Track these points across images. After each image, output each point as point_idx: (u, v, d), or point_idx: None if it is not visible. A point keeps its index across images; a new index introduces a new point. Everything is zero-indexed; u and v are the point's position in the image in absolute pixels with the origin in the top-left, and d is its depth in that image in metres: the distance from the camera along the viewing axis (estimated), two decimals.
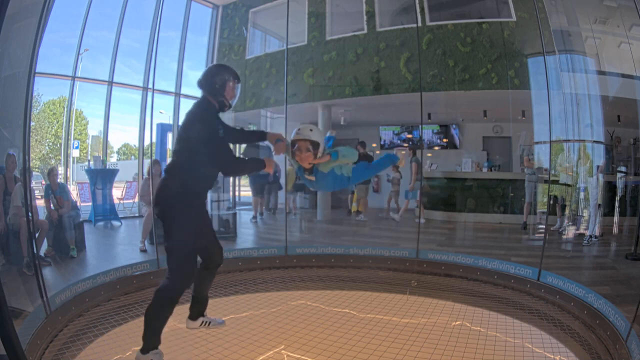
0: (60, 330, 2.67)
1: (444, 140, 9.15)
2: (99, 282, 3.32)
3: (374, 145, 9.47)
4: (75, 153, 7.27)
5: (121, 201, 7.21)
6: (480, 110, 7.99)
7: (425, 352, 2.46)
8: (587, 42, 5.72)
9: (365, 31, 7.17)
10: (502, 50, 6.31)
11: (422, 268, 4.23)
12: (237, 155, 3.13)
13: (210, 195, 5.98)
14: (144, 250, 4.64)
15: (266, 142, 2.41)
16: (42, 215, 4.32)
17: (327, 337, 2.69)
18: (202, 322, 2.27)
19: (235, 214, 6.06)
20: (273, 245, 4.71)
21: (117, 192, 7.04)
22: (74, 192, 6.68)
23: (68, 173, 7.09)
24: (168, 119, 8.03)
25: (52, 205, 4.40)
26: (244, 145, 6.36)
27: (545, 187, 6.07)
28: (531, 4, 5.58)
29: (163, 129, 8.20)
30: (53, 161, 7.76)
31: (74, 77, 6.58)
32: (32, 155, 6.00)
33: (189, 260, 2.03)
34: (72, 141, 7.11)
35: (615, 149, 6.23)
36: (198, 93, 2.21)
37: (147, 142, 7.33)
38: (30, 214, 2.72)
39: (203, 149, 1.97)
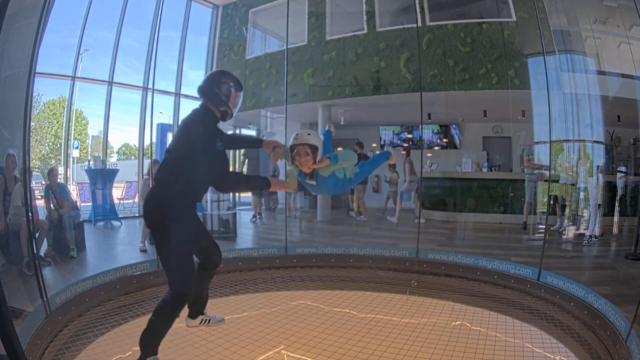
0: (60, 330, 2.67)
1: (444, 140, 9.15)
2: (99, 282, 3.32)
3: (374, 145, 9.47)
4: (75, 153, 7.27)
5: (121, 201, 7.21)
6: (480, 110, 7.99)
7: (425, 352, 2.46)
8: (587, 42, 5.72)
9: (365, 31, 7.17)
10: (502, 50, 6.31)
11: (422, 268, 4.23)
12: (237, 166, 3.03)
13: (210, 195, 5.99)
14: (144, 250, 4.65)
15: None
16: (42, 215, 4.32)
17: (327, 337, 2.69)
18: (202, 320, 2.26)
19: (235, 214, 6.06)
20: (273, 245, 4.72)
21: (117, 192, 7.04)
22: (74, 192, 6.69)
23: (68, 173, 7.09)
24: (168, 119, 8.04)
25: (52, 205, 4.40)
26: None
27: (545, 187, 6.06)
28: (531, 4, 5.58)
29: (163, 129, 8.19)
30: (53, 161, 7.76)
31: (74, 77, 6.58)
32: (32, 155, 6.00)
33: (189, 265, 2.02)
34: (72, 141, 7.12)
35: (615, 149, 6.23)
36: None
37: (147, 142, 7.34)
38: (30, 214, 2.72)
39: (200, 159, 1.91)
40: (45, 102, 7.29)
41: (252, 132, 9.00)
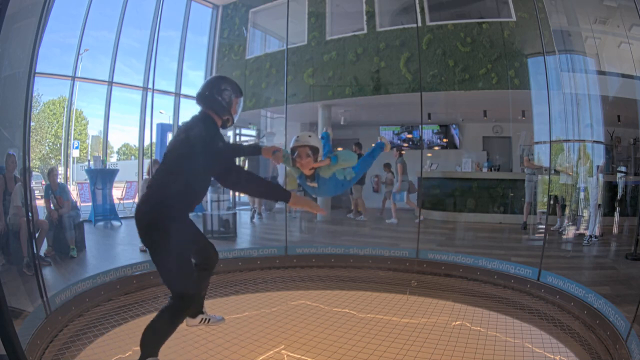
0: (60, 330, 2.67)
1: (444, 140, 9.15)
2: (99, 282, 3.32)
3: (374, 145, 9.47)
4: (75, 153, 7.28)
5: (121, 201, 7.21)
6: (480, 110, 7.99)
7: (425, 352, 2.46)
8: (587, 42, 5.73)
9: (365, 31, 7.17)
10: (502, 50, 6.31)
11: (422, 268, 4.23)
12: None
13: (210, 195, 5.99)
14: (144, 250, 4.64)
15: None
16: (42, 215, 4.32)
17: (327, 337, 2.69)
18: (202, 319, 2.26)
19: (235, 214, 6.06)
20: (273, 245, 4.72)
21: (117, 192, 7.04)
22: (74, 192, 6.69)
23: (68, 173, 7.09)
24: (168, 119, 8.05)
25: (52, 205, 4.40)
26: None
27: (545, 187, 6.07)
28: (531, 4, 5.58)
29: (163, 129, 8.20)
30: (53, 161, 7.77)
31: (74, 77, 6.58)
32: (32, 155, 6.00)
33: (190, 265, 2.01)
34: (72, 141, 7.12)
35: (615, 149, 6.23)
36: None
37: (147, 142, 7.34)
38: (30, 214, 2.72)
39: (200, 160, 1.87)
40: (45, 102, 7.30)
41: (252, 132, 9.00)
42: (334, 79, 7.31)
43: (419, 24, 6.60)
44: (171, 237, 1.86)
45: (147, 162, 6.94)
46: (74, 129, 7.49)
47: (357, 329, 2.80)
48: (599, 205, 5.34)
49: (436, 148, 9.21)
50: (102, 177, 6.34)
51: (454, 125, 9.03)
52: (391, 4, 7.31)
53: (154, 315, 1.96)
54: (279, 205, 8.25)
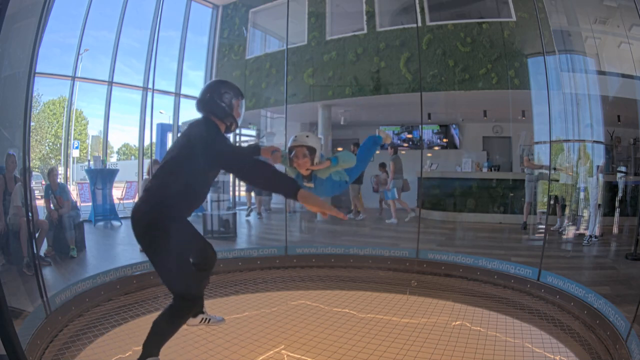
0: (60, 330, 2.67)
1: (444, 140, 9.15)
2: (99, 282, 3.32)
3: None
4: (75, 153, 7.28)
5: (121, 201, 7.21)
6: (480, 110, 7.99)
7: (425, 352, 2.46)
8: (587, 42, 5.73)
9: (365, 31, 7.17)
10: (502, 50, 6.31)
11: (422, 268, 4.23)
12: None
13: (210, 195, 5.99)
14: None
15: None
16: (42, 215, 4.32)
17: (327, 337, 2.69)
18: (202, 319, 2.25)
19: (235, 214, 6.06)
20: (273, 245, 4.72)
21: (117, 192, 7.04)
22: (74, 192, 6.69)
23: (68, 173, 7.09)
24: (168, 119, 8.05)
25: (52, 205, 4.40)
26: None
27: (545, 187, 6.07)
28: (531, 4, 5.58)
29: (163, 129, 8.21)
30: (53, 161, 7.77)
31: (74, 77, 6.58)
32: (32, 155, 6.00)
33: (190, 266, 2.00)
34: (72, 141, 7.12)
35: (615, 149, 6.23)
36: (198, 92, 2.06)
37: (147, 142, 7.34)
38: (30, 214, 2.72)
39: (209, 166, 1.86)
40: (45, 102, 7.30)
41: (252, 132, 9.00)
42: (334, 79, 7.32)
43: (419, 24, 6.60)
44: (171, 237, 1.84)
45: (147, 162, 6.94)
46: (74, 129, 7.49)
47: (357, 329, 2.80)
48: (599, 205, 5.34)
49: (436, 148, 9.20)
50: (102, 177, 6.34)
51: (454, 125, 9.03)
52: (391, 4, 7.31)
53: (154, 315, 1.96)
54: (278, 205, 8.25)
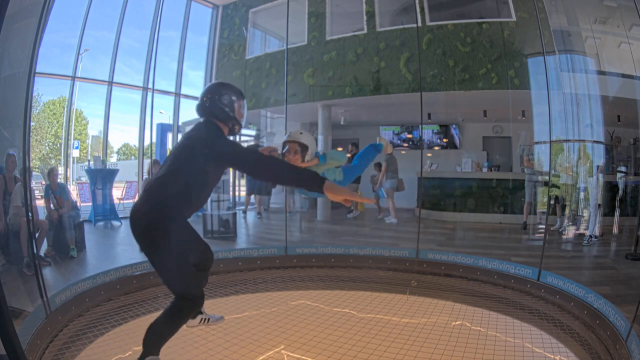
0: (60, 330, 2.67)
1: (444, 140, 9.15)
2: (99, 282, 3.32)
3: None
4: (75, 153, 7.27)
5: (121, 201, 7.21)
6: (480, 110, 7.99)
7: (425, 352, 2.46)
8: (587, 42, 5.72)
9: (365, 31, 7.17)
10: (502, 50, 6.31)
11: (422, 268, 4.23)
12: None
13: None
14: None
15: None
16: (42, 215, 4.32)
17: (327, 337, 2.69)
18: (202, 319, 2.25)
19: (235, 214, 6.06)
20: (273, 245, 4.72)
21: (117, 192, 7.04)
22: (74, 192, 6.69)
23: (68, 173, 7.09)
24: (168, 119, 8.04)
25: (52, 205, 4.40)
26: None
27: (545, 187, 6.07)
28: (531, 4, 5.58)
29: (163, 129, 8.20)
30: (53, 161, 7.76)
31: (74, 77, 6.58)
32: (32, 155, 6.00)
33: (190, 266, 2.00)
34: (72, 141, 7.12)
35: (615, 149, 6.23)
36: (198, 92, 2.11)
37: (147, 142, 7.34)
38: (30, 214, 2.72)
39: (210, 167, 1.85)
40: (45, 102, 7.29)
41: (252, 132, 9.00)
42: (334, 79, 7.32)
43: (419, 24, 6.60)
44: (171, 238, 1.84)
45: (147, 162, 6.94)
46: (74, 129, 7.48)
47: (357, 329, 2.80)
48: (599, 205, 5.34)
49: (436, 148, 9.21)
50: (102, 177, 6.34)
51: (454, 125, 9.04)
52: (391, 4, 7.31)
53: (154, 315, 1.96)
54: (278, 205, 8.26)
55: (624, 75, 5.41)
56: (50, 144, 7.80)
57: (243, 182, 8.34)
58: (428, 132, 9.17)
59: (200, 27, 8.17)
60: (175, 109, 7.85)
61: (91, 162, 6.72)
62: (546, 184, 5.95)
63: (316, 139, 7.72)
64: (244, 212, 7.59)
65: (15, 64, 2.76)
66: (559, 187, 5.92)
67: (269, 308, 3.23)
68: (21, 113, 2.59)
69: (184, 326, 2.28)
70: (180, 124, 7.84)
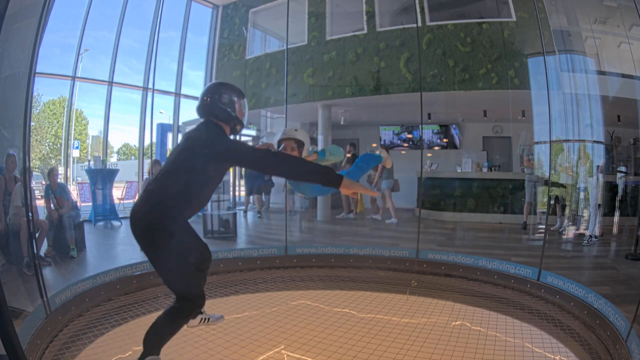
0: (60, 330, 2.67)
1: (444, 140, 9.15)
2: (99, 282, 3.32)
3: (374, 145, 9.48)
4: (75, 153, 7.27)
5: (121, 201, 7.21)
6: (480, 110, 7.99)
7: (425, 352, 2.46)
8: (587, 42, 5.72)
9: (365, 31, 7.17)
10: (502, 50, 6.31)
11: (422, 268, 4.23)
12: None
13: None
14: None
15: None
16: (42, 215, 4.32)
17: (327, 337, 2.69)
18: (202, 319, 2.25)
19: (235, 214, 6.06)
20: (273, 245, 4.72)
21: (117, 192, 7.04)
22: (74, 192, 6.69)
23: (68, 173, 7.09)
24: (168, 119, 8.03)
25: (52, 205, 4.40)
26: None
27: (545, 187, 6.07)
28: (531, 4, 5.58)
29: (163, 129, 8.20)
30: (53, 161, 7.76)
31: (74, 77, 6.58)
32: (32, 155, 6.00)
33: (190, 267, 1.99)
34: (72, 141, 7.12)
35: (615, 149, 6.23)
36: (198, 92, 2.10)
37: (147, 142, 7.34)
38: (30, 214, 2.72)
39: (210, 166, 1.85)
40: (45, 102, 7.29)
41: (252, 132, 9.01)
42: (334, 79, 7.32)
43: (419, 24, 6.60)
44: (171, 238, 1.84)
45: (147, 162, 6.94)
46: (74, 129, 7.48)
47: (357, 329, 2.80)
48: (599, 205, 5.34)
49: (436, 148, 9.21)
50: (102, 177, 6.34)
51: (454, 125, 9.04)
52: (391, 4, 7.31)
53: (154, 315, 1.96)
54: (278, 205, 8.26)
55: (624, 75, 5.41)
56: (50, 144, 7.80)
57: (243, 182, 8.35)
58: (428, 132, 9.17)
59: (200, 27, 8.18)
60: (175, 109, 7.85)
61: (91, 162, 6.72)
62: (546, 183, 5.95)
63: (316, 139, 7.76)
64: (245, 212, 7.60)
65: (15, 64, 2.76)
66: (565, 187, 5.92)
67: (269, 308, 3.23)
68: (21, 113, 2.59)
69: (184, 326, 2.28)
70: (180, 124, 7.84)
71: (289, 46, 6.48)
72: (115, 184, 6.70)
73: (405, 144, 9.36)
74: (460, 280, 3.97)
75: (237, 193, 8.43)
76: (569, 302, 3.15)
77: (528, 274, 3.66)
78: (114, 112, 7.13)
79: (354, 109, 8.35)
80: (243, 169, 7.50)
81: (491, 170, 7.92)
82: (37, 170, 7.22)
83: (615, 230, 5.42)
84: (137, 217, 1.85)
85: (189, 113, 7.73)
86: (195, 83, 8.35)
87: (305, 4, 7.57)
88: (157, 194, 1.87)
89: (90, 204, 6.28)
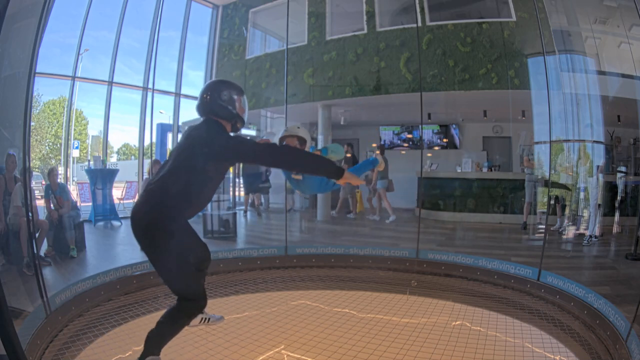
0: (60, 330, 2.67)
1: (444, 140, 9.15)
2: (99, 282, 3.32)
3: (374, 145, 9.49)
4: (75, 153, 7.28)
5: (121, 201, 7.21)
6: (480, 110, 7.99)
7: (425, 352, 2.46)
8: (587, 42, 5.72)
9: (365, 31, 7.17)
10: (502, 50, 6.31)
11: (422, 268, 4.23)
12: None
13: None
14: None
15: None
16: (42, 215, 4.32)
17: (327, 337, 2.69)
18: (202, 319, 2.25)
19: (235, 214, 6.06)
20: (273, 245, 4.72)
21: (117, 192, 7.04)
22: (74, 192, 6.69)
23: (68, 173, 7.09)
24: (168, 119, 8.04)
25: (52, 205, 4.40)
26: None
27: (545, 187, 6.07)
28: (531, 4, 5.58)
29: (163, 129, 8.20)
30: (53, 161, 7.76)
31: (74, 77, 6.58)
32: (32, 155, 5.99)
33: (191, 267, 1.99)
34: (72, 141, 7.12)
35: (615, 149, 6.23)
36: (198, 92, 2.02)
37: (147, 142, 7.34)
38: (30, 214, 2.72)
39: (211, 165, 1.85)
40: (45, 102, 7.29)
41: (252, 132, 9.01)
42: (334, 79, 7.31)
43: (419, 24, 6.60)
44: (172, 238, 1.84)
45: (147, 162, 6.94)
46: (74, 129, 7.48)
47: (357, 329, 2.80)
48: (599, 205, 5.34)
49: (436, 148, 9.21)
50: (102, 177, 6.34)
51: (454, 125, 9.04)
52: (391, 4, 7.31)
53: (154, 315, 1.95)
54: (278, 204, 8.25)
55: (624, 75, 5.41)
56: (50, 144, 7.80)
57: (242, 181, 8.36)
58: (428, 132, 9.17)
59: (200, 27, 8.18)
60: (175, 109, 7.85)
61: (91, 162, 6.72)
62: (546, 183, 5.95)
63: (316, 139, 7.77)
64: (245, 212, 7.61)
65: (15, 64, 2.75)
66: (569, 189, 5.91)
67: (269, 308, 3.23)
68: (21, 113, 2.59)
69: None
70: (180, 124, 7.85)
71: (289, 46, 6.48)
72: (115, 184, 6.70)
73: (405, 144, 9.36)
74: (460, 280, 3.97)
75: (237, 193, 8.43)
76: (569, 302, 3.15)
77: (528, 274, 3.66)
78: (114, 112, 7.14)
79: (354, 109, 8.35)
80: (242, 169, 7.52)
81: (491, 170, 7.92)
82: (37, 170, 7.22)
83: (615, 230, 5.42)
84: (138, 217, 1.85)
85: (189, 113, 7.74)
86: (195, 83, 8.36)
87: (305, 4, 7.57)
88: (158, 194, 1.87)
89: (90, 204, 6.28)
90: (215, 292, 3.54)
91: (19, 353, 1.40)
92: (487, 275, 3.91)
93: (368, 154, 9.22)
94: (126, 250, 4.86)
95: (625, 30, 5.20)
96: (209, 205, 5.99)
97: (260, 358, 2.39)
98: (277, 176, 7.78)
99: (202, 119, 1.99)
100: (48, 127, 7.65)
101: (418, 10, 6.60)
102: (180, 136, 2.19)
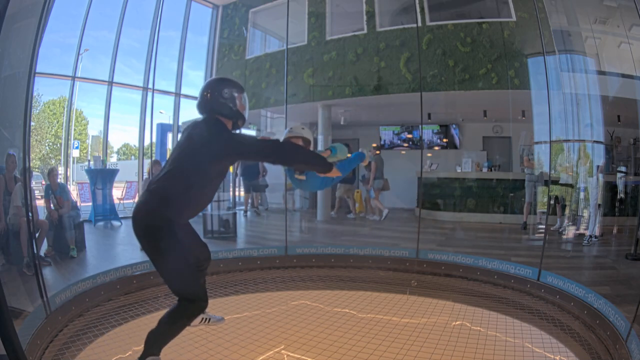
0: (60, 330, 2.67)
1: (444, 140, 9.15)
2: (99, 282, 3.32)
3: (374, 145, 9.49)
4: (75, 153, 7.28)
5: (121, 201, 7.21)
6: (480, 110, 7.99)
7: (425, 352, 2.46)
8: (587, 42, 5.72)
9: (365, 31, 7.17)
10: (502, 50, 6.31)
11: (422, 268, 4.23)
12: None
13: None
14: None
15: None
16: (42, 215, 4.32)
17: (327, 337, 2.69)
18: (202, 319, 2.25)
19: (235, 214, 6.06)
20: (273, 245, 4.72)
21: (117, 192, 7.04)
22: (74, 192, 6.69)
23: (68, 173, 7.09)
24: (168, 119, 8.04)
25: (52, 205, 4.40)
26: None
27: (545, 187, 6.07)
28: (531, 4, 5.58)
29: (163, 129, 8.21)
30: (53, 161, 7.77)
31: (74, 77, 6.58)
32: (32, 155, 6.00)
33: (191, 269, 1.98)
34: (72, 141, 7.12)
35: (615, 149, 6.23)
36: (198, 92, 2.01)
37: (147, 142, 7.34)
38: (30, 214, 2.72)
39: (211, 164, 1.86)
40: (45, 102, 7.30)
41: (252, 132, 9.01)
42: (334, 79, 7.32)
43: (419, 24, 6.60)
44: (172, 238, 1.83)
45: (147, 162, 6.94)
46: (74, 129, 7.49)
47: (357, 329, 2.80)
48: (599, 205, 5.34)
49: (436, 148, 9.21)
50: (102, 177, 6.34)
51: (454, 125, 9.04)
52: (391, 4, 7.31)
53: (154, 315, 1.95)
54: (278, 204, 8.26)
55: (624, 75, 5.41)
56: (50, 144, 7.81)
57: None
58: (428, 132, 9.17)
59: (200, 27, 8.19)
60: (175, 109, 7.86)
61: (91, 162, 6.72)
62: (546, 183, 5.95)
63: (316, 139, 7.77)
64: (245, 212, 7.61)
65: (15, 64, 2.76)
66: (565, 188, 5.91)
67: (269, 308, 3.23)
68: (21, 113, 2.59)
69: None
70: (180, 124, 7.85)
71: (289, 46, 6.48)
72: (115, 184, 6.70)
73: (405, 144, 9.36)
74: (460, 280, 3.97)
75: (237, 193, 8.43)
76: (569, 302, 3.15)
77: (528, 274, 3.66)
78: (114, 112, 7.15)
79: (354, 109, 8.35)
80: (240, 166, 7.53)
81: (491, 170, 7.92)
82: (37, 170, 7.22)
83: (615, 230, 5.43)
84: (139, 217, 1.85)
85: (189, 113, 7.75)
86: (195, 83, 8.37)
87: (305, 4, 7.57)
88: (158, 194, 1.86)
89: (90, 204, 6.28)
90: (215, 292, 3.54)
91: (19, 353, 1.40)
92: (487, 275, 3.90)
93: (368, 154, 9.24)
94: (126, 250, 4.86)
95: (625, 30, 5.20)
96: (209, 205, 5.99)
97: (260, 358, 2.39)
98: (277, 176, 7.79)
99: (202, 117, 1.99)
100: (48, 127, 7.66)
101: (418, 10, 6.60)
102: (179, 135, 2.19)
